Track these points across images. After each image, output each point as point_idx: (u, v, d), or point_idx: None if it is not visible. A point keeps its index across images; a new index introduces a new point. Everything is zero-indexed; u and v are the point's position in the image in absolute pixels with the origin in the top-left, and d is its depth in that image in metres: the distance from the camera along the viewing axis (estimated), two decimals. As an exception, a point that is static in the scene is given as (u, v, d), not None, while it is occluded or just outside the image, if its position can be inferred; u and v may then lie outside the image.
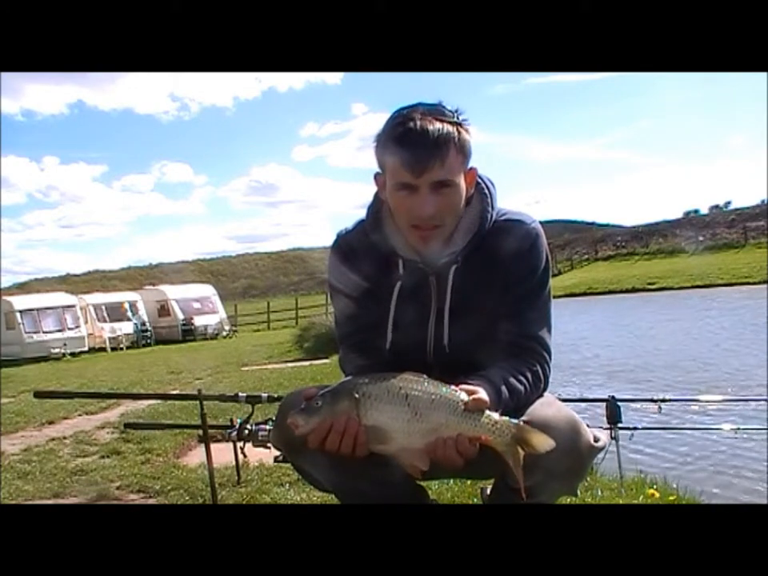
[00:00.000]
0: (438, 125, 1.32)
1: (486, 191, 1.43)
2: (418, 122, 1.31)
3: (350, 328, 1.50)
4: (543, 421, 1.30)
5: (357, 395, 1.21)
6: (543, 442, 1.20)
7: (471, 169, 1.39)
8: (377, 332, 1.44)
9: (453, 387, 1.24)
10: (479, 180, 1.44)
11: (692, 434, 4.22)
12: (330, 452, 1.22)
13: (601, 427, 2.57)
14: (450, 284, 1.42)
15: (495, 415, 1.23)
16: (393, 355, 1.43)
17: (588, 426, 1.38)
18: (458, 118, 1.35)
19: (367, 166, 1.45)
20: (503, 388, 1.30)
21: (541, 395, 1.40)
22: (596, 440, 1.36)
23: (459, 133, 1.34)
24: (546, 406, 1.37)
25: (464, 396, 1.22)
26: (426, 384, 1.23)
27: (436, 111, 1.34)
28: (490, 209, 1.42)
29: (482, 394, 1.23)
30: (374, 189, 1.46)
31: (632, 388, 6.62)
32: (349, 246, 1.48)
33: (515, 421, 1.23)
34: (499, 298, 1.40)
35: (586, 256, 43.28)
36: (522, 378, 1.35)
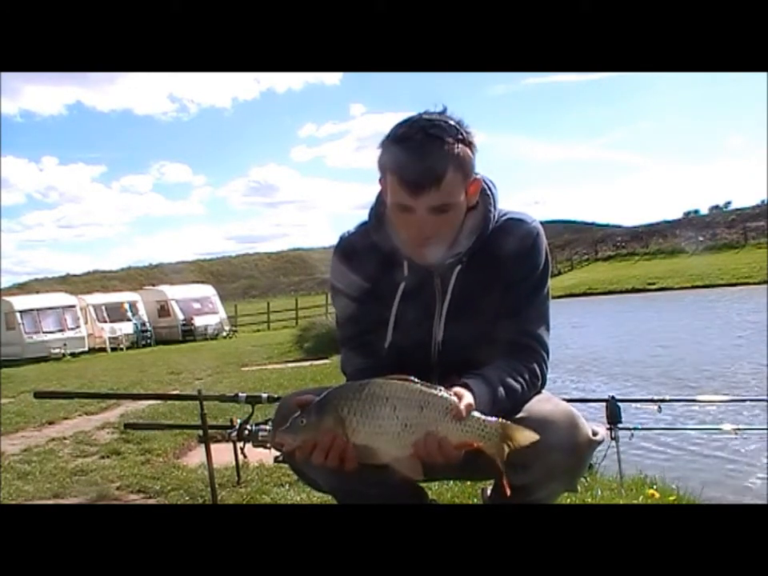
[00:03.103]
0: (437, 145, 1.29)
1: (488, 192, 1.43)
2: (417, 143, 1.29)
3: (352, 329, 1.50)
4: (541, 416, 1.30)
5: (342, 413, 1.17)
6: (527, 437, 1.19)
7: (475, 180, 1.38)
8: (379, 333, 1.44)
9: (441, 391, 1.20)
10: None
11: (691, 433, 4.21)
12: (318, 465, 1.20)
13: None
14: (454, 285, 1.42)
15: (483, 418, 1.20)
16: (395, 356, 1.43)
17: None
18: (461, 134, 1.32)
19: (365, 166, 1.47)
20: (499, 388, 1.30)
21: (538, 392, 1.41)
22: (594, 434, 1.36)
23: (459, 150, 1.31)
24: (544, 402, 1.37)
25: (453, 400, 1.19)
26: (413, 389, 1.19)
27: (437, 127, 1.30)
28: (492, 209, 1.43)
29: (468, 398, 1.20)
30: (372, 189, 1.46)
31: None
32: (352, 247, 1.48)
33: (499, 420, 1.20)
34: (501, 297, 1.41)
35: (586, 256, 43.29)
36: (518, 377, 1.35)
